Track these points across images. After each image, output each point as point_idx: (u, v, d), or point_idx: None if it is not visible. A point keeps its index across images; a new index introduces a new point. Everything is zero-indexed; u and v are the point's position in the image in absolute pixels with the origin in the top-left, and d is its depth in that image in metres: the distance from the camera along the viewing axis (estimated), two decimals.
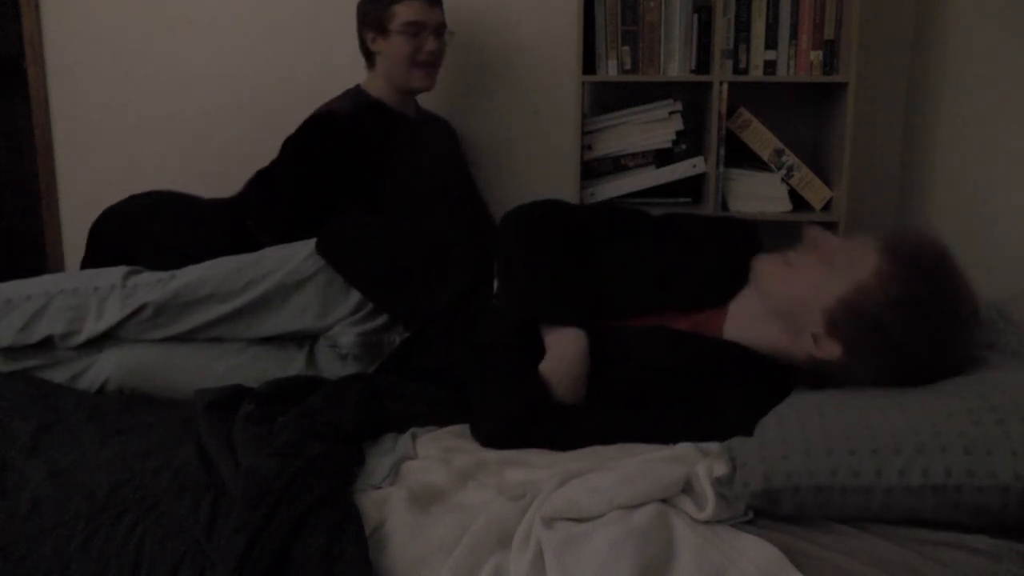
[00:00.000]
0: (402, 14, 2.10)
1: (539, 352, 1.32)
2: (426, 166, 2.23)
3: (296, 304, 1.52)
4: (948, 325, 1.20)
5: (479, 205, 2.43)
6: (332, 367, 1.51)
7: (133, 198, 2.15)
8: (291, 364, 1.51)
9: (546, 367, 1.30)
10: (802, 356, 1.27)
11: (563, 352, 1.30)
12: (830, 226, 2.16)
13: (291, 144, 2.05)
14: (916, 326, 1.18)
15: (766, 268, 1.32)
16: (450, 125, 2.43)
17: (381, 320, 1.52)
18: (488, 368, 1.35)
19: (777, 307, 1.29)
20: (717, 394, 1.26)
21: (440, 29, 2.16)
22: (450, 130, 2.42)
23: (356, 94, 2.20)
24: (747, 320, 1.33)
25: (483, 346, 1.38)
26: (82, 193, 2.59)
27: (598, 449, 1.21)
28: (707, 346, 1.32)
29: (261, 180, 2.08)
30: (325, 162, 2.00)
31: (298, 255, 1.55)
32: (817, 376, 1.27)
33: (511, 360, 1.34)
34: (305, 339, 1.54)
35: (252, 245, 1.79)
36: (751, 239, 1.45)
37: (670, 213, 1.61)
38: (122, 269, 1.57)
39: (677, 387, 1.27)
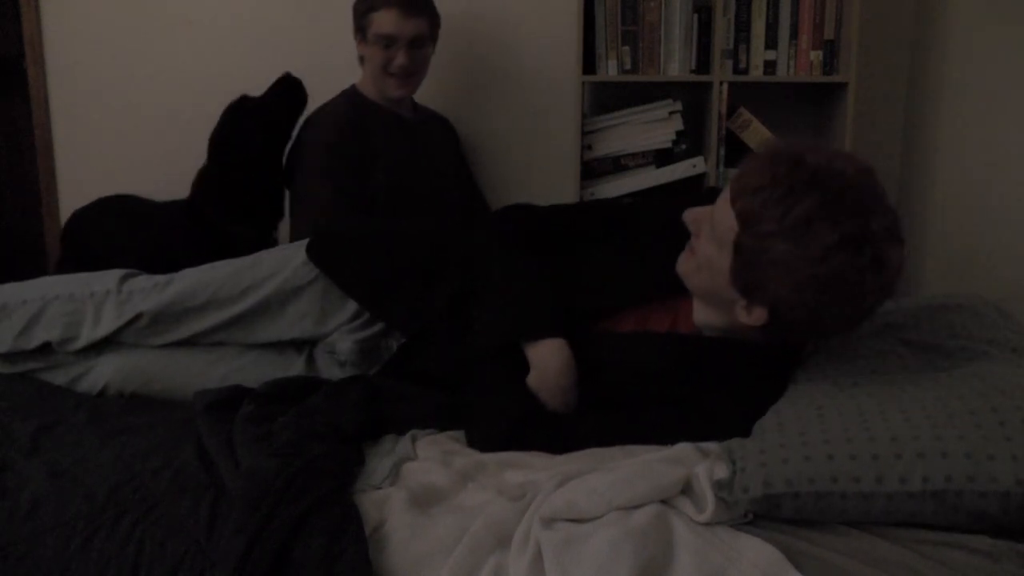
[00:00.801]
0: (375, 24, 2.08)
1: (527, 363, 1.31)
2: (422, 164, 2.22)
3: (294, 311, 1.51)
4: (830, 210, 1.10)
5: (479, 203, 2.43)
6: (331, 372, 1.50)
7: (97, 202, 2.21)
8: (290, 368, 1.51)
9: (532, 382, 1.29)
10: (754, 333, 1.24)
11: (546, 365, 1.28)
12: None
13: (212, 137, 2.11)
14: (801, 237, 1.10)
15: (679, 267, 1.29)
16: (449, 123, 2.42)
17: (379, 326, 1.51)
18: (480, 380, 1.34)
19: (704, 299, 1.28)
20: (708, 394, 1.25)
21: (418, 42, 2.11)
22: (449, 128, 2.41)
23: (351, 95, 2.20)
24: (702, 312, 1.30)
25: (474, 358, 1.37)
26: (82, 193, 2.58)
27: (597, 450, 1.20)
28: (691, 346, 1.30)
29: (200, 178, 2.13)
30: (241, 146, 2.05)
31: (295, 260, 1.53)
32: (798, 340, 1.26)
33: (501, 372, 1.32)
34: (304, 344, 1.54)
35: (207, 244, 1.87)
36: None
37: (639, 203, 1.58)
38: (117, 273, 1.56)
39: (668, 390, 1.26)
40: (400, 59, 2.10)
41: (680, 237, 1.31)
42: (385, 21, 2.06)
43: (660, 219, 1.44)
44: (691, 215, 1.25)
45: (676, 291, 1.32)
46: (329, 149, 2.07)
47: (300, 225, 2.09)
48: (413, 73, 2.15)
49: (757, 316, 1.19)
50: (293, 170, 2.12)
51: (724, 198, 1.19)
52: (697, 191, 2.22)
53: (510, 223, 1.46)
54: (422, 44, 2.14)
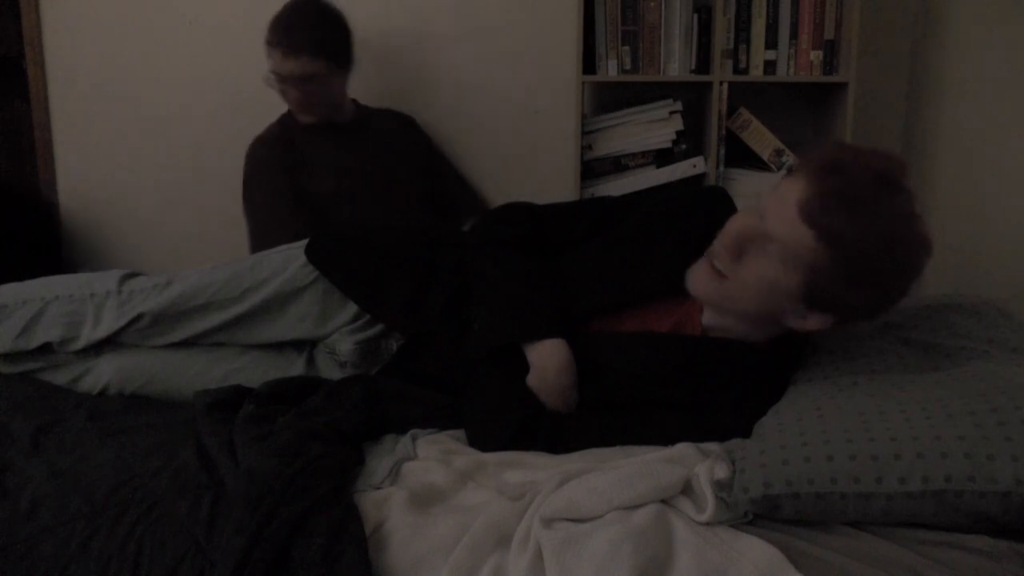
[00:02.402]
0: (270, 58, 2.09)
1: (526, 363, 1.31)
2: (364, 166, 2.21)
3: (294, 312, 1.51)
4: (904, 209, 1.12)
5: (454, 189, 2.41)
6: (331, 373, 1.50)
7: None
8: (290, 369, 1.50)
9: (532, 381, 1.29)
10: (796, 330, 1.24)
11: (546, 365, 1.28)
12: None
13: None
14: (889, 244, 1.11)
15: (702, 290, 1.25)
16: (406, 118, 2.37)
17: (379, 327, 1.50)
18: (480, 380, 1.34)
19: (745, 316, 1.25)
20: (709, 395, 1.24)
21: (306, 79, 2.08)
22: (404, 122, 2.37)
23: (284, 115, 2.24)
24: (722, 319, 1.28)
25: (473, 360, 1.37)
26: (82, 193, 2.59)
27: (597, 450, 1.20)
28: (692, 347, 1.29)
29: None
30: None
31: (296, 262, 1.53)
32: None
33: (502, 372, 1.32)
34: (304, 344, 1.54)
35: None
36: (715, 207, 1.39)
37: (636, 197, 1.58)
38: (117, 273, 1.56)
39: (669, 390, 1.26)
40: (291, 94, 2.12)
41: (674, 230, 1.30)
42: (274, 59, 2.08)
43: (659, 216, 1.44)
44: (734, 236, 1.20)
45: (676, 290, 1.32)
46: (262, 167, 2.15)
47: (260, 247, 2.11)
48: (313, 104, 2.14)
49: (816, 322, 1.19)
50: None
51: (786, 216, 1.14)
52: (695, 187, 2.22)
53: (507, 224, 1.46)
54: (310, 81, 2.09)
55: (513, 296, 1.35)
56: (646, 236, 1.40)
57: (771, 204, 1.18)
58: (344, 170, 2.18)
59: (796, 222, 1.13)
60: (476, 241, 1.45)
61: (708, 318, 1.31)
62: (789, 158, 2.21)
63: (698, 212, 1.40)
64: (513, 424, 1.25)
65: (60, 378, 1.53)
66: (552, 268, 1.40)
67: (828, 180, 1.13)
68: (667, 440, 1.19)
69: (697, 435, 1.19)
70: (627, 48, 2.20)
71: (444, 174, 2.43)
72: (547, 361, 1.28)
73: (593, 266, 1.40)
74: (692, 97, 2.29)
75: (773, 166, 2.22)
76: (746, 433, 1.16)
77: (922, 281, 1.17)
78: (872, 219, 1.11)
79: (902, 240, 1.12)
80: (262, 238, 2.13)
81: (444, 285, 1.48)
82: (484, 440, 1.26)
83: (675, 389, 1.26)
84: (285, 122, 2.23)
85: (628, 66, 2.20)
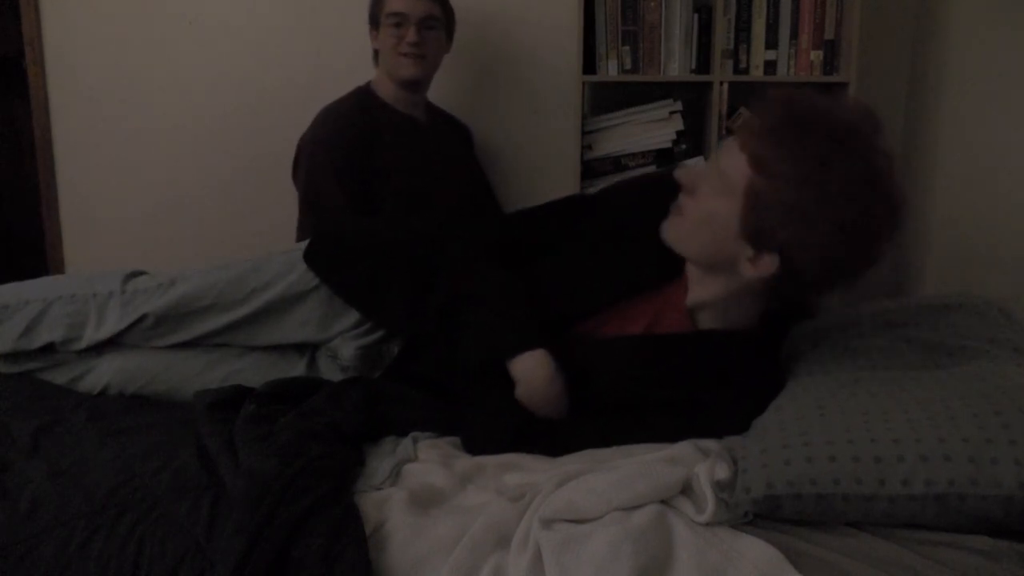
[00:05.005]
0: (388, 5, 2.12)
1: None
2: (433, 169, 2.20)
3: (297, 317, 1.50)
4: (844, 148, 1.12)
5: (492, 208, 2.42)
6: (332, 376, 1.49)
7: None
8: (292, 371, 1.50)
9: (521, 395, 1.28)
10: (760, 286, 1.23)
11: (531, 378, 1.27)
12: None
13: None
14: (817, 176, 1.11)
15: (669, 234, 1.26)
16: (464, 126, 2.40)
17: (381, 332, 1.50)
18: (473, 391, 1.33)
19: (704, 261, 1.25)
20: (700, 392, 1.23)
21: (428, 22, 2.13)
22: (463, 131, 2.40)
23: (362, 94, 2.18)
24: (699, 284, 1.28)
25: (464, 371, 1.35)
26: (82, 193, 2.59)
27: (595, 451, 1.20)
28: (676, 347, 1.28)
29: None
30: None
31: (300, 266, 1.53)
32: (801, 298, 1.24)
33: (493, 382, 1.31)
34: (306, 347, 1.53)
35: None
36: (668, 195, 1.36)
37: (604, 190, 1.58)
38: (120, 273, 1.56)
39: (659, 392, 1.25)
40: (411, 36, 2.11)
41: (647, 223, 1.29)
42: (396, 1, 2.11)
43: (619, 212, 1.42)
44: (688, 173, 1.23)
45: (653, 283, 1.32)
46: (339, 150, 2.06)
47: (308, 224, 2.09)
48: (424, 55, 2.14)
49: (765, 265, 1.18)
50: (300, 167, 2.12)
51: (730, 148, 1.18)
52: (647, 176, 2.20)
53: (477, 236, 1.45)
54: (432, 26, 2.14)
55: (490, 312, 1.33)
56: (612, 235, 1.39)
57: (727, 141, 1.22)
58: (408, 170, 2.15)
59: (735, 149, 1.17)
60: (447, 258, 1.44)
61: (692, 295, 1.29)
62: None
63: (652, 202, 1.37)
64: (509, 432, 1.25)
65: (60, 377, 1.52)
66: (525, 276, 1.38)
67: (769, 111, 1.16)
68: (663, 438, 1.18)
69: (693, 431, 1.18)
70: (627, 48, 2.20)
71: (485, 192, 2.41)
72: (531, 374, 1.27)
73: (567, 270, 1.39)
74: (692, 97, 2.29)
75: None
76: (742, 427, 1.15)
77: (921, 283, 1.17)
78: (799, 152, 1.12)
79: (832, 181, 1.11)
80: (307, 216, 2.12)
81: (443, 286, 1.47)
82: (481, 449, 1.25)
83: (665, 389, 1.25)
84: (363, 101, 2.18)
85: (628, 66, 2.20)
